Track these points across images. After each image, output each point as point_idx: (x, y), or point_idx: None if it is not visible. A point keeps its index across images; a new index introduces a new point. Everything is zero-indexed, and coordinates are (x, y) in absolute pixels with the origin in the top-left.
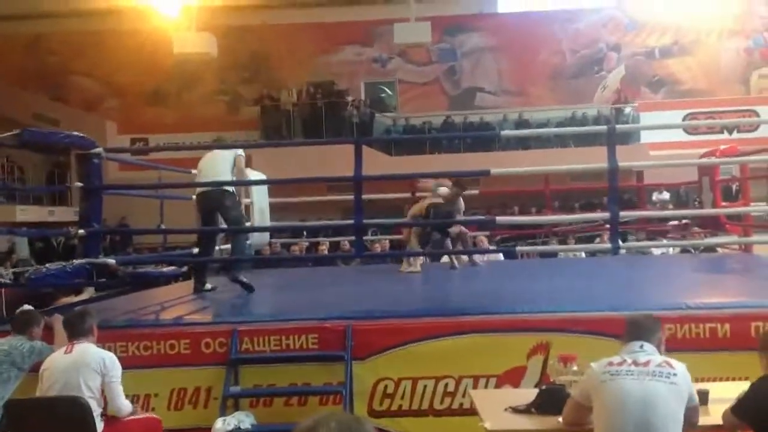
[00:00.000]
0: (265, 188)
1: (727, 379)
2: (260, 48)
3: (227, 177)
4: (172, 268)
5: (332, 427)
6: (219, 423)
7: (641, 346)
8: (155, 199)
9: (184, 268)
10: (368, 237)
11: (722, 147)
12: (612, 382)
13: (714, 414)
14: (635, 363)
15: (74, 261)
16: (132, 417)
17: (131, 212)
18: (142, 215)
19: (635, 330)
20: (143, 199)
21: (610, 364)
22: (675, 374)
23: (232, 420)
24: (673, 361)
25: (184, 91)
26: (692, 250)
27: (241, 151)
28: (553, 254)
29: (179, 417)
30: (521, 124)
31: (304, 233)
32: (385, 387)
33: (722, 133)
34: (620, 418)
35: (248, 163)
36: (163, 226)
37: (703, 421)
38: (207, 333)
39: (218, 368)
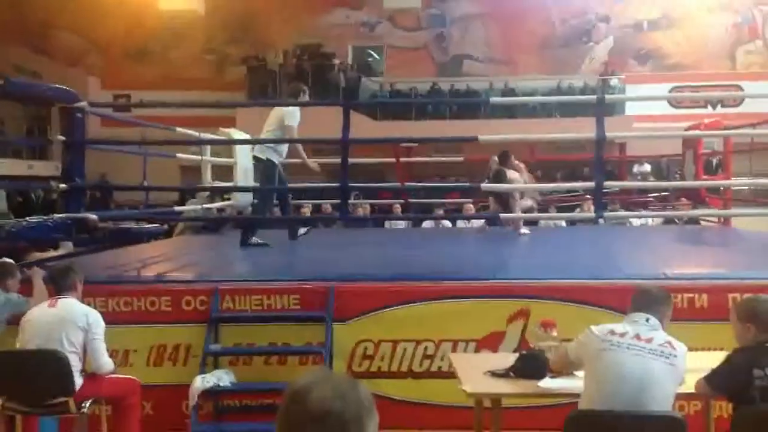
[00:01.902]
0: (248, 148)
1: (703, 349)
2: (248, 7)
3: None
4: (154, 225)
5: (327, 392)
6: (198, 380)
7: (647, 320)
8: (137, 156)
9: (166, 226)
10: (350, 201)
11: (707, 121)
12: (611, 353)
13: (689, 383)
14: (638, 337)
15: (55, 215)
16: (112, 376)
17: (112, 169)
18: (122, 172)
19: (643, 300)
20: (124, 155)
21: (612, 333)
22: (676, 356)
23: (212, 378)
24: (675, 342)
25: (169, 48)
26: (676, 221)
27: (291, 109)
28: (535, 222)
29: (158, 373)
30: (507, 92)
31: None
32: (365, 349)
33: (706, 107)
34: (615, 392)
35: (233, 124)
36: (146, 184)
37: (677, 389)
38: (188, 291)
39: (199, 326)
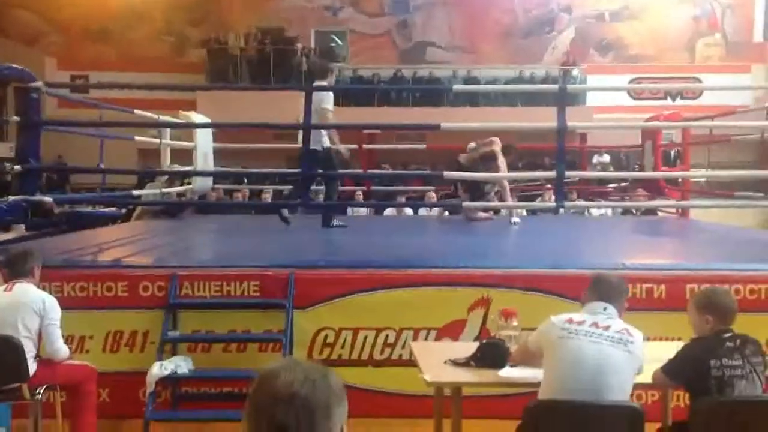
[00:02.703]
0: (209, 132)
1: (661, 339)
2: None
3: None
4: (111, 209)
5: (297, 375)
6: (156, 367)
7: (605, 308)
8: (95, 138)
9: (123, 210)
10: (312, 187)
11: (666, 112)
12: (569, 340)
13: (647, 373)
14: (596, 325)
15: (9, 198)
16: (67, 362)
17: (68, 151)
18: (79, 154)
19: (602, 289)
20: (81, 137)
21: (570, 321)
22: (632, 342)
23: (169, 364)
24: (632, 329)
25: (128, 29)
26: (634, 212)
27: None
28: (496, 211)
29: (115, 360)
30: (470, 80)
31: (245, 180)
32: (326, 336)
33: (666, 99)
34: (572, 379)
35: (193, 107)
36: (102, 166)
37: (636, 378)
38: (146, 276)
39: (156, 312)
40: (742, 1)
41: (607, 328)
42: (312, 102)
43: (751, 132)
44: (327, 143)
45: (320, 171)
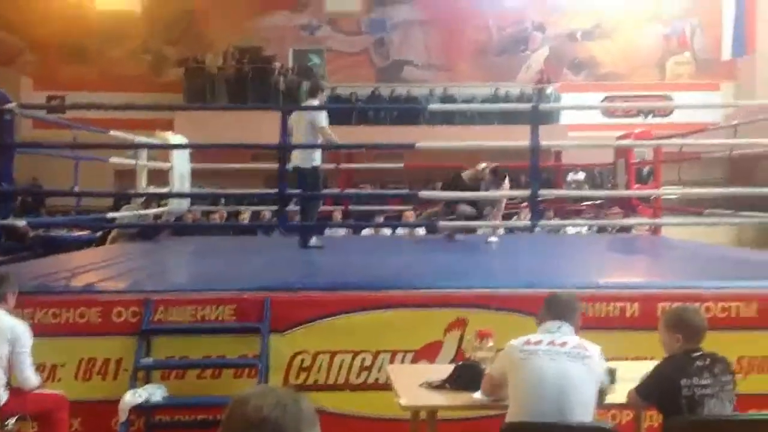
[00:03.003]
0: (186, 153)
1: (635, 358)
2: (186, 8)
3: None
4: (85, 232)
5: (267, 400)
6: (129, 395)
7: (559, 327)
8: (70, 159)
9: (99, 233)
10: (290, 207)
11: (638, 130)
12: (529, 361)
13: (621, 392)
14: (552, 343)
15: None
16: (38, 391)
17: (44, 173)
18: (55, 176)
19: (555, 309)
20: (57, 159)
21: (528, 342)
22: (590, 356)
23: (143, 392)
24: (588, 344)
25: (105, 48)
26: (609, 229)
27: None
28: (473, 230)
29: (87, 388)
30: (446, 99)
31: (222, 201)
32: (302, 360)
33: (638, 116)
34: (536, 397)
35: (170, 127)
36: (77, 188)
37: (610, 399)
38: (119, 302)
39: (130, 338)
40: (711, 20)
41: (563, 344)
42: (308, 122)
43: (720, 149)
44: (318, 161)
45: (300, 191)
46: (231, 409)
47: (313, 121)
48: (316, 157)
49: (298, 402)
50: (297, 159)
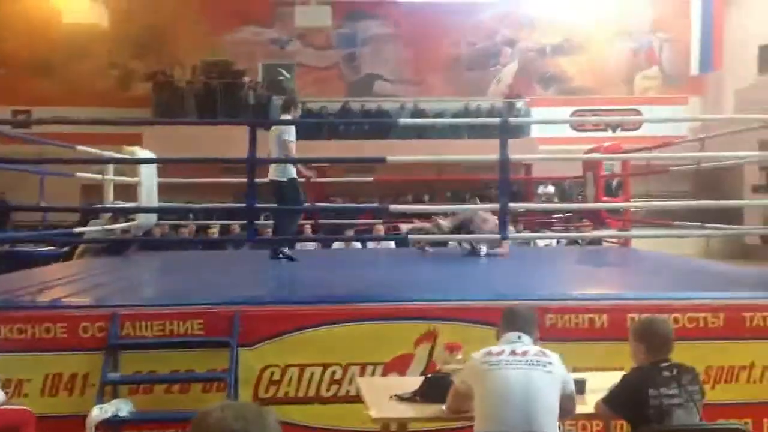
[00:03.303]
0: (153, 167)
1: (605, 369)
2: (154, 22)
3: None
4: (52, 248)
5: (229, 414)
6: (95, 410)
7: (519, 337)
8: (36, 174)
9: (65, 248)
10: (260, 222)
11: (606, 144)
12: (493, 372)
13: (590, 403)
14: (514, 352)
15: None
16: (4, 407)
17: (10, 188)
18: (21, 191)
19: (514, 320)
20: (23, 174)
21: (490, 353)
22: (551, 363)
23: (110, 407)
24: (548, 351)
25: (72, 63)
26: (580, 242)
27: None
28: (444, 243)
29: (53, 404)
30: (417, 113)
31: (191, 215)
32: (272, 374)
33: (606, 130)
34: (503, 407)
35: (138, 141)
36: (43, 203)
37: (580, 410)
38: (85, 317)
39: (96, 354)
40: (679, 35)
41: (524, 353)
42: (276, 137)
43: (687, 162)
44: (293, 174)
45: (277, 203)
46: (195, 423)
47: (280, 135)
48: (292, 170)
49: (261, 415)
50: (273, 172)
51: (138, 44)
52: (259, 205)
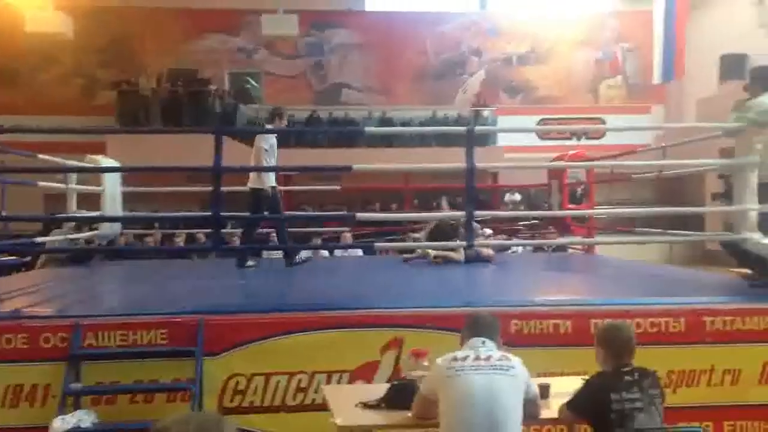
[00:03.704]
0: (117, 176)
1: (570, 374)
2: (120, 31)
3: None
4: (12, 258)
5: (187, 425)
6: (57, 422)
7: (483, 342)
8: None
9: (27, 258)
10: (227, 230)
11: (571, 152)
12: (458, 378)
13: (554, 408)
14: (478, 358)
15: None
16: None
17: None
18: None
19: (477, 326)
20: None
21: (455, 359)
22: (513, 367)
23: (71, 418)
24: (510, 356)
25: (36, 71)
26: (546, 249)
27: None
28: (411, 251)
29: (14, 415)
30: (385, 121)
31: (156, 225)
32: (237, 383)
33: (572, 139)
34: (468, 412)
35: (102, 150)
36: (4, 213)
37: (544, 414)
38: (47, 327)
39: (58, 364)
40: (642, 45)
41: (488, 358)
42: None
43: (649, 170)
44: (273, 182)
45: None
46: None
47: (257, 144)
48: (271, 179)
49: (220, 424)
50: (252, 181)
51: (103, 53)
52: (224, 213)
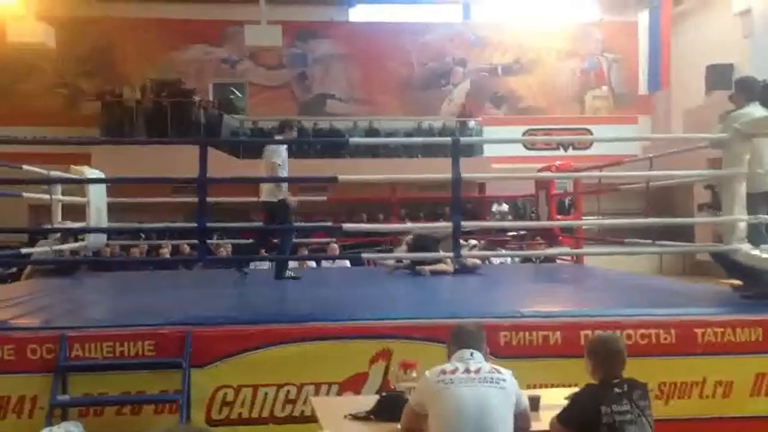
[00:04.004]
0: (102, 187)
1: (560, 386)
2: (103, 41)
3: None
4: None
5: None
6: None
7: (471, 354)
8: None
9: (13, 269)
10: (212, 240)
11: (558, 163)
12: (447, 390)
13: (545, 420)
14: (467, 370)
15: None
16: None
17: None
18: None
19: (464, 338)
20: None
21: (443, 372)
22: (504, 380)
23: (58, 430)
24: (500, 368)
25: (18, 82)
26: (534, 260)
27: (275, 147)
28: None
29: (2, 427)
30: (371, 132)
31: (142, 235)
32: (225, 395)
33: (558, 149)
34: (458, 425)
35: (87, 160)
36: None
37: (535, 426)
38: (33, 338)
39: (45, 376)
40: (627, 55)
41: (477, 371)
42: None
43: (637, 181)
44: (284, 195)
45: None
46: None
47: (268, 158)
48: (283, 191)
49: None
50: (264, 194)
51: (86, 63)
52: (210, 224)
